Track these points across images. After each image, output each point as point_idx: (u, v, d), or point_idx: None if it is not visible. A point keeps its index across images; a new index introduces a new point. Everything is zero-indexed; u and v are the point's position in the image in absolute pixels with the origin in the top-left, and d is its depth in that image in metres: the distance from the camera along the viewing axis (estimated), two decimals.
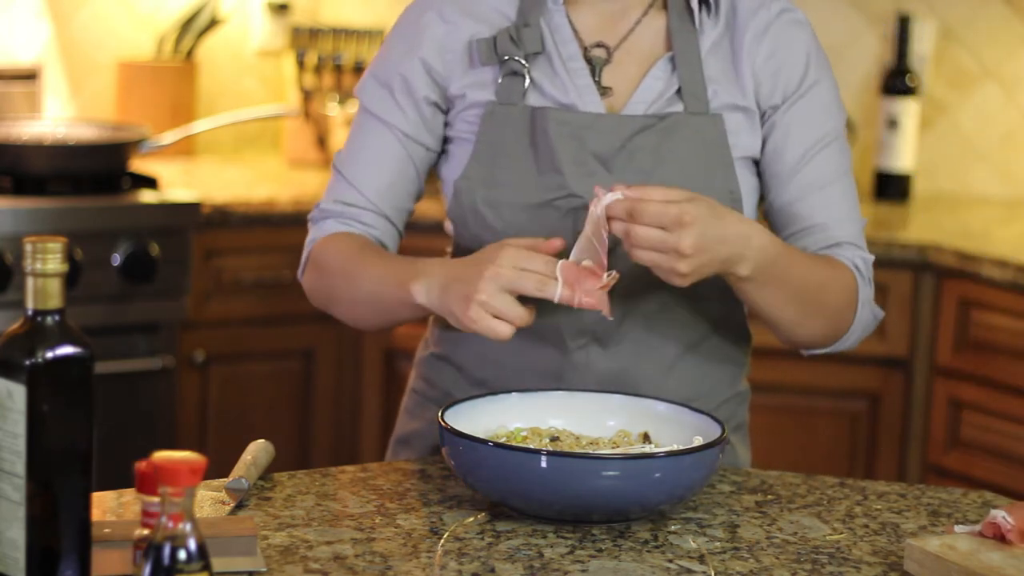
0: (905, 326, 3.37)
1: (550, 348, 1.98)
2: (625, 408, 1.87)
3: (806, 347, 2.01)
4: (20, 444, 1.41)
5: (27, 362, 1.41)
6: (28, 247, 1.42)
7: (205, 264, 3.44)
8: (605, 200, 1.78)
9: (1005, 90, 3.94)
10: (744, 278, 1.85)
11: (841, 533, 1.75)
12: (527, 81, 1.97)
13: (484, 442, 1.69)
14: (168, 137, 3.57)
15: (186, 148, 3.91)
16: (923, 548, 1.60)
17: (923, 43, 3.94)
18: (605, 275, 1.80)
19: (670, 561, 1.64)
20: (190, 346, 3.43)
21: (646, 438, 1.84)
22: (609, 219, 1.78)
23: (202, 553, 1.34)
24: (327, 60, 3.99)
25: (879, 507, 1.84)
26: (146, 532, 1.44)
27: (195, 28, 3.95)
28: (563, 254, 1.82)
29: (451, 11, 2.01)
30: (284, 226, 3.50)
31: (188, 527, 1.33)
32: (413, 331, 2.74)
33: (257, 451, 1.84)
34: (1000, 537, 1.62)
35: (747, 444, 2.12)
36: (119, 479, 1.82)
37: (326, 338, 3.58)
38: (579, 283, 1.79)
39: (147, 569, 1.33)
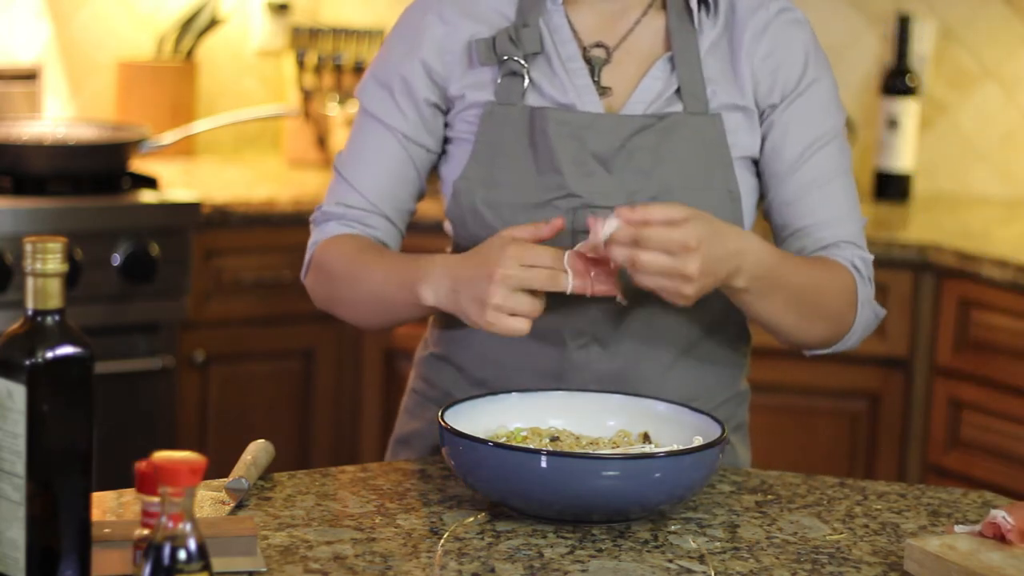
0: (905, 326, 3.37)
1: (550, 348, 1.98)
2: (625, 408, 1.87)
3: (808, 349, 2.02)
4: (20, 444, 1.41)
5: (27, 362, 1.41)
6: (28, 247, 1.42)
7: (205, 264, 3.44)
8: (606, 229, 1.77)
9: (1005, 90, 3.94)
10: (742, 290, 1.85)
11: (841, 533, 1.75)
12: (526, 81, 1.97)
13: (484, 442, 1.69)
14: (168, 137, 3.57)
15: (186, 148, 3.91)
16: (923, 548, 1.60)
17: (923, 43, 3.94)
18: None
19: (670, 561, 1.64)
20: (190, 346, 3.43)
21: (646, 438, 1.84)
22: (609, 245, 1.77)
23: (202, 553, 1.34)
24: (327, 60, 3.99)
25: (879, 507, 1.84)
26: (146, 532, 1.44)
27: (195, 28, 3.95)
28: (562, 241, 1.82)
29: (451, 12, 2.01)
30: (284, 226, 3.50)
31: (188, 527, 1.33)
32: (413, 331, 2.74)
33: (257, 451, 1.84)
34: (1000, 537, 1.62)
35: (747, 444, 2.12)
36: (119, 479, 1.82)
37: (326, 338, 3.58)
38: (589, 271, 1.80)
39: (147, 569, 1.33)
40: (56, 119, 3.73)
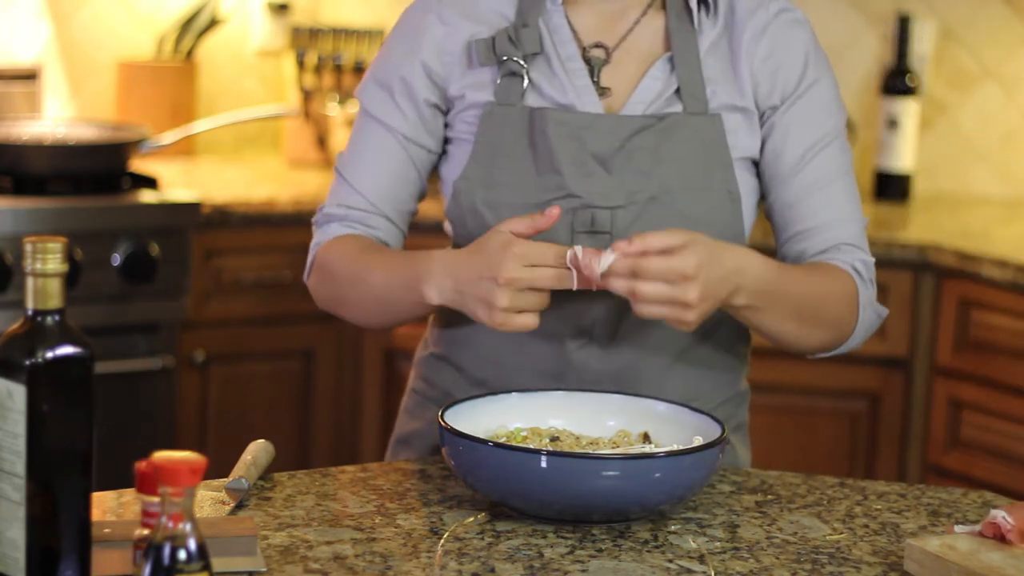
0: (905, 326, 3.37)
1: (550, 348, 1.98)
2: (625, 408, 1.87)
3: (810, 354, 2.02)
4: (20, 444, 1.41)
5: (27, 362, 1.41)
6: (28, 247, 1.42)
7: (205, 264, 3.44)
8: (603, 263, 1.77)
9: (1005, 90, 3.93)
10: (742, 307, 1.86)
11: (841, 533, 1.75)
12: (526, 82, 1.97)
13: (484, 442, 1.69)
14: (168, 137, 3.57)
15: (186, 148, 3.91)
16: (923, 548, 1.60)
17: (923, 43, 3.94)
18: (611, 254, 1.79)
19: (670, 561, 1.64)
20: (190, 346, 3.43)
21: (646, 438, 1.84)
22: (606, 277, 1.78)
23: (202, 553, 1.34)
24: (327, 60, 3.98)
25: (879, 507, 1.84)
26: (146, 532, 1.44)
27: (195, 28, 3.95)
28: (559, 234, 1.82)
29: (450, 13, 2.01)
30: (284, 226, 3.50)
31: (188, 527, 1.33)
32: (413, 331, 2.74)
33: (257, 451, 1.84)
34: (1000, 537, 1.62)
35: (747, 444, 2.12)
36: (119, 479, 1.82)
37: (326, 338, 3.58)
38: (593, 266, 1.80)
39: (147, 569, 1.33)
40: (56, 119, 3.73)
